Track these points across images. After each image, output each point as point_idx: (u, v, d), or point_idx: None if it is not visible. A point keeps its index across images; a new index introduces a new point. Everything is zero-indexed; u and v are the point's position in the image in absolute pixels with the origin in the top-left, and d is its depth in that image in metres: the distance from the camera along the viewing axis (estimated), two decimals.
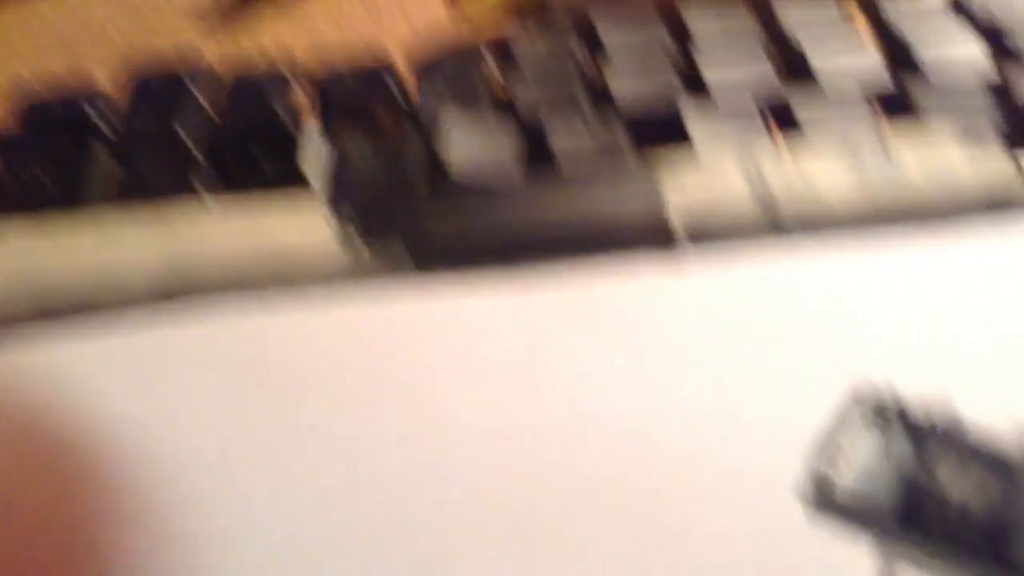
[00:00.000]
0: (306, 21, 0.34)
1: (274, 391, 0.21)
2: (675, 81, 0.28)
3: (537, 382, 0.21)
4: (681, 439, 0.20)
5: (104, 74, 0.31)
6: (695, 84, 0.28)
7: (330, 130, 0.27)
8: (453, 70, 0.29)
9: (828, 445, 0.19)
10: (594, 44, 0.30)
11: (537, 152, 0.26)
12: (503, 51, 0.30)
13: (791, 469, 0.19)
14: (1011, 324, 0.21)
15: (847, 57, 0.28)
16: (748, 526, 0.18)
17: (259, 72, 0.29)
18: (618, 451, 0.19)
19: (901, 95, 0.27)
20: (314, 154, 0.26)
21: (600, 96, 0.28)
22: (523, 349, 0.22)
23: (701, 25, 0.30)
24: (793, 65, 0.29)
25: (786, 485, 0.19)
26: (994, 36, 0.29)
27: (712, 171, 0.24)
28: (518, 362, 0.22)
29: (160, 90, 0.28)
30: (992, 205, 0.23)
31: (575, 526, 0.18)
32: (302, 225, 0.24)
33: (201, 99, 0.28)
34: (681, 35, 0.29)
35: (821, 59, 0.28)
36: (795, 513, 0.18)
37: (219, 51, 0.33)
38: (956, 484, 0.18)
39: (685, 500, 0.19)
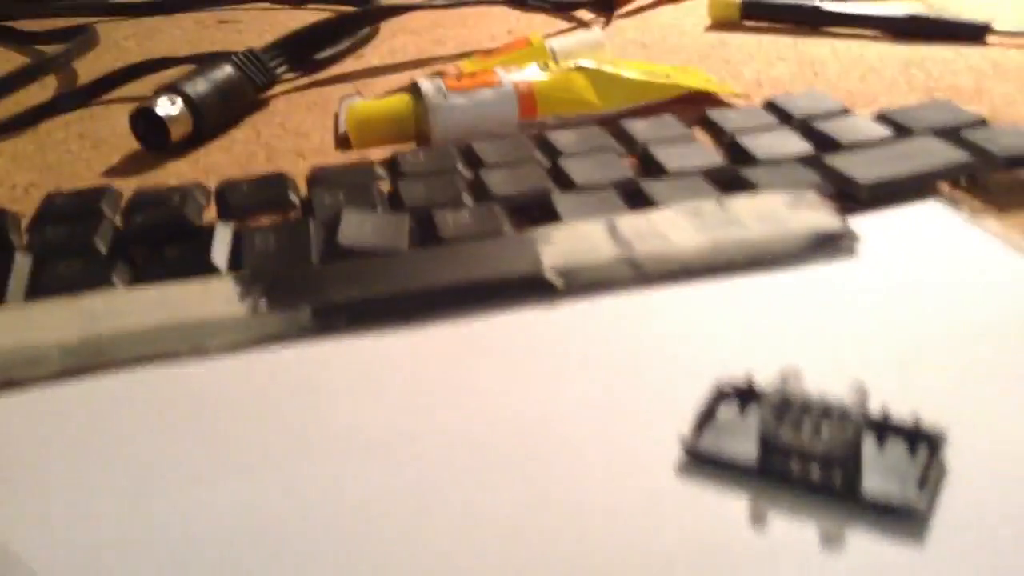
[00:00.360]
0: (212, 166, 0.37)
1: (186, 432, 0.22)
2: (546, 180, 0.31)
3: (428, 399, 0.22)
4: (565, 431, 0.21)
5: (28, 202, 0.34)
6: (564, 184, 0.32)
7: (229, 220, 0.30)
8: (346, 178, 0.32)
9: (697, 421, 0.21)
10: (474, 162, 0.34)
11: (425, 233, 0.29)
12: (394, 167, 0.33)
13: (666, 447, 0.20)
14: (831, 332, 0.24)
15: (690, 158, 0.32)
16: (633, 494, 0.19)
17: (163, 189, 0.32)
18: (509, 444, 0.21)
19: (739, 179, 0.31)
20: (221, 243, 0.28)
21: (482, 195, 0.31)
22: (414, 375, 0.23)
23: (566, 142, 0.34)
24: (646, 167, 0.33)
25: (664, 458, 0.20)
26: (809, 131, 0.34)
27: (579, 234, 0.28)
28: (410, 385, 0.23)
29: (65, 206, 0.31)
30: (816, 245, 0.27)
31: (470, 507, 0.19)
32: (211, 301, 0.26)
33: (106, 210, 0.30)
34: (552, 152, 0.34)
35: (668, 159, 0.32)
36: (673, 477, 0.20)
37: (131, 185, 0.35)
38: (807, 437, 0.20)
39: (573, 478, 0.20)
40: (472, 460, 0.21)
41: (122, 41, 0.54)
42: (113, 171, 0.37)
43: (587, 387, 0.23)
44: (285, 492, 0.20)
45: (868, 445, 0.20)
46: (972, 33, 0.45)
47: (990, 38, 0.46)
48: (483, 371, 0.23)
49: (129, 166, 0.38)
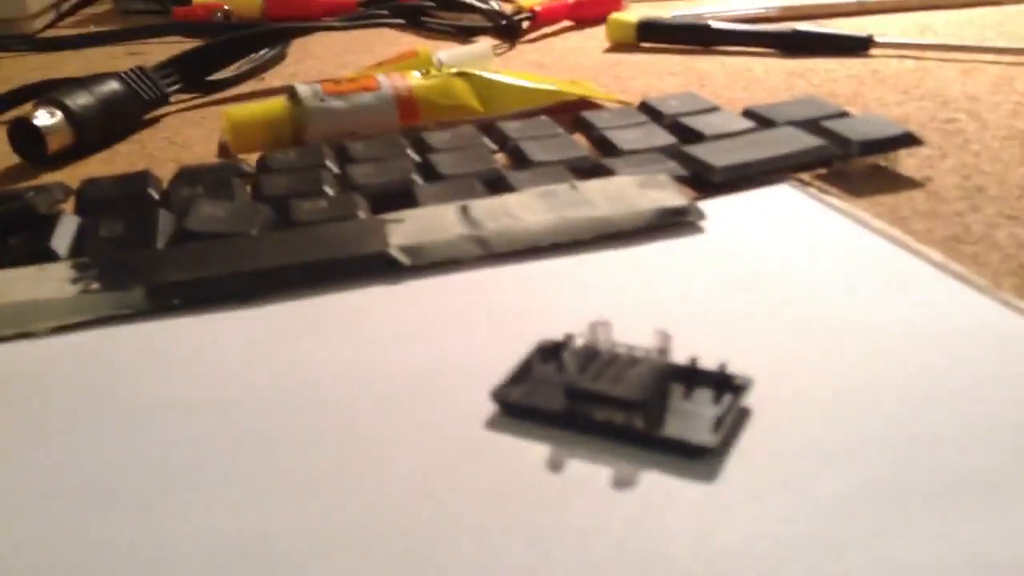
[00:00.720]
0: (87, 175, 0.37)
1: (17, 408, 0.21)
2: (412, 172, 0.32)
3: (255, 371, 0.22)
4: (388, 393, 0.21)
5: None
6: (430, 176, 0.32)
7: (85, 215, 0.29)
8: (209, 173, 0.32)
9: (512, 375, 0.20)
10: (344, 158, 0.34)
11: (281, 221, 0.29)
12: (262, 164, 0.33)
13: (483, 403, 0.20)
14: (664, 298, 0.24)
15: (556, 151, 0.33)
16: (442, 445, 0.19)
17: (22, 188, 0.31)
18: (337, 408, 0.20)
19: (600, 168, 0.31)
20: (65, 231, 0.28)
21: (346, 187, 0.31)
22: (246, 350, 0.23)
23: (437, 139, 0.34)
24: (514, 161, 0.33)
25: (478, 412, 0.20)
26: (676, 127, 0.34)
27: (431, 215, 0.28)
28: (240, 359, 0.23)
29: None
30: (660, 220, 0.27)
31: (304, 461, 0.19)
32: (43, 284, 0.25)
33: None
34: (424, 149, 0.34)
35: (534, 152, 0.33)
36: (482, 428, 0.19)
37: None
38: (610, 385, 0.19)
39: (389, 433, 0.19)
40: (291, 423, 0.20)
41: (26, 73, 0.54)
42: None
43: (417, 354, 0.22)
44: (97, 462, 0.19)
45: (676, 393, 0.20)
46: (855, 45, 0.47)
47: (873, 50, 0.47)
48: (315, 343, 0.23)
49: (6, 179, 0.37)
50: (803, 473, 0.18)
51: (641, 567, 0.16)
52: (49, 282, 0.25)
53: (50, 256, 0.27)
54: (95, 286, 0.25)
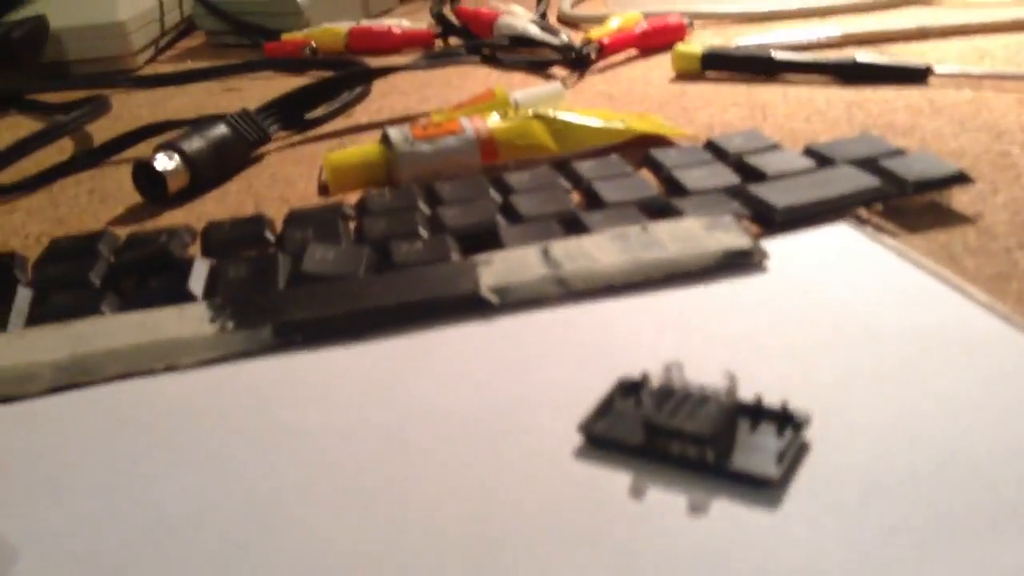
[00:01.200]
0: (205, 214, 0.41)
1: (165, 440, 0.25)
2: (495, 214, 0.35)
3: (369, 402, 0.26)
4: (486, 425, 0.24)
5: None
6: (512, 216, 0.35)
7: (210, 256, 0.33)
8: (317, 216, 0.36)
9: (597, 409, 0.24)
10: (433, 199, 0.37)
11: (382, 262, 0.32)
12: (361, 206, 0.37)
13: (572, 436, 0.23)
14: (732, 335, 0.27)
15: (627, 191, 0.36)
16: (535, 473, 0.22)
17: (153, 231, 0.35)
18: (444, 437, 0.24)
19: (669, 208, 0.34)
20: (198, 274, 0.32)
21: (437, 228, 0.35)
22: (360, 382, 0.26)
23: (516, 180, 0.38)
24: (588, 201, 0.36)
25: (567, 445, 0.23)
26: (740, 165, 0.37)
27: (516, 257, 0.31)
28: (356, 391, 0.26)
29: (67, 247, 0.35)
30: (726, 261, 0.30)
31: (410, 484, 0.22)
32: (184, 323, 0.29)
33: (102, 249, 0.34)
34: (505, 190, 0.37)
35: (607, 192, 0.36)
36: (571, 459, 0.23)
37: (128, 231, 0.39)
38: (683, 421, 0.22)
39: (487, 463, 0.23)
40: (401, 453, 0.24)
41: (135, 109, 0.59)
42: (116, 220, 0.41)
43: (509, 387, 0.26)
44: (239, 482, 0.23)
45: (743, 428, 0.23)
46: (913, 76, 0.48)
47: (931, 80, 0.49)
48: (421, 377, 0.26)
49: (131, 216, 0.42)
50: (857, 502, 0.20)
51: None
52: (190, 321, 0.29)
53: (187, 297, 0.31)
54: (230, 325, 0.29)
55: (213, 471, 0.23)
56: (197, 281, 0.32)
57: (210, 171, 0.43)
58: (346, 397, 0.26)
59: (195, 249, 0.36)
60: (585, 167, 0.38)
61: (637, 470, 0.22)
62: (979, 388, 0.23)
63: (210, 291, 0.32)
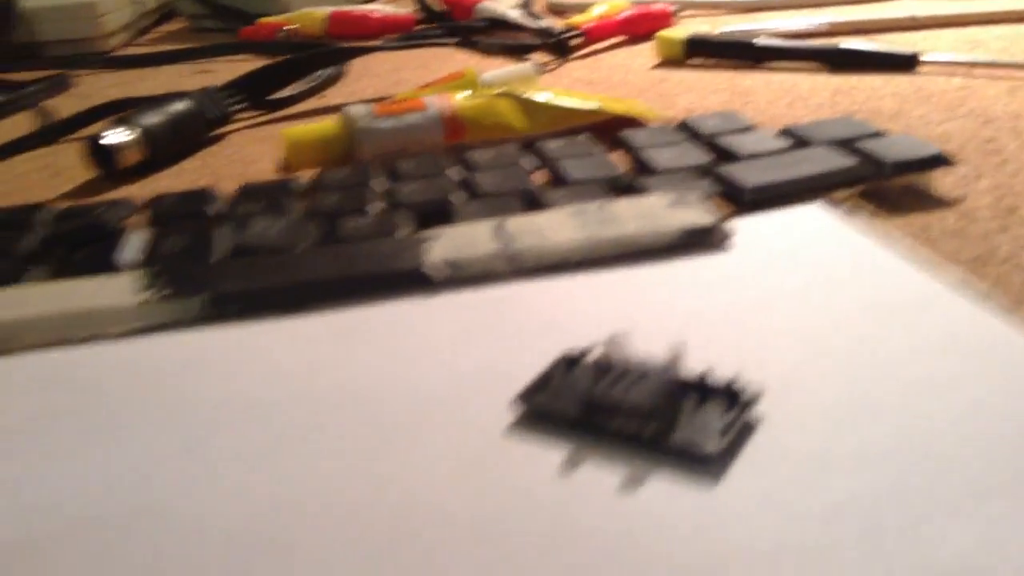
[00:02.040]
0: (159, 190, 0.40)
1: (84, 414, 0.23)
2: (453, 190, 0.33)
3: (301, 375, 0.24)
4: (417, 400, 0.22)
5: None
6: (471, 193, 0.33)
7: (154, 226, 0.32)
8: (266, 190, 0.34)
9: (535, 382, 0.22)
10: (392, 174, 0.36)
11: (329, 237, 0.31)
12: (316, 182, 0.35)
13: (506, 411, 0.22)
14: (685, 313, 0.25)
15: (592, 169, 0.34)
16: (465, 449, 0.20)
17: (92, 203, 0.34)
18: (377, 413, 0.22)
19: (634, 187, 0.32)
20: (131, 245, 0.30)
21: (392, 204, 0.33)
22: (294, 355, 0.25)
23: (479, 157, 0.36)
24: (554, 179, 0.35)
25: (501, 419, 0.21)
26: (713, 146, 0.35)
27: (466, 233, 0.29)
28: (288, 364, 0.24)
29: (2, 218, 0.33)
30: (686, 239, 0.28)
31: (338, 458, 0.20)
32: (112, 292, 0.28)
33: (36, 221, 0.33)
34: (467, 167, 0.36)
35: (571, 171, 0.34)
36: (505, 434, 0.21)
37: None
38: (625, 395, 0.21)
39: (416, 438, 0.21)
40: (329, 423, 0.22)
41: (105, 90, 0.58)
42: (66, 195, 0.40)
43: (446, 363, 0.24)
44: (162, 457, 0.21)
45: (689, 405, 0.21)
46: (901, 63, 0.47)
47: (922, 68, 0.47)
48: (358, 352, 0.25)
49: (82, 192, 0.40)
50: (802, 482, 0.19)
51: (642, 566, 0.17)
52: (117, 291, 0.27)
53: (113, 269, 0.29)
54: (160, 295, 0.27)
55: (136, 445, 0.22)
56: (132, 252, 0.30)
57: (167, 147, 0.42)
58: (280, 370, 0.24)
59: (139, 222, 0.34)
60: (552, 147, 0.36)
61: (575, 445, 0.20)
62: (944, 369, 0.22)
63: (146, 263, 0.30)
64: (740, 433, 0.20)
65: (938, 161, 0.33)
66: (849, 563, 0.17)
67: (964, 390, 0.21)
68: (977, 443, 0.19)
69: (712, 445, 0.19)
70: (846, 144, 0.34)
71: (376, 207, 0.33)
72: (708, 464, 0.19)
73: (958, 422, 0.20)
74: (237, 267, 0.28)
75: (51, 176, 0.42)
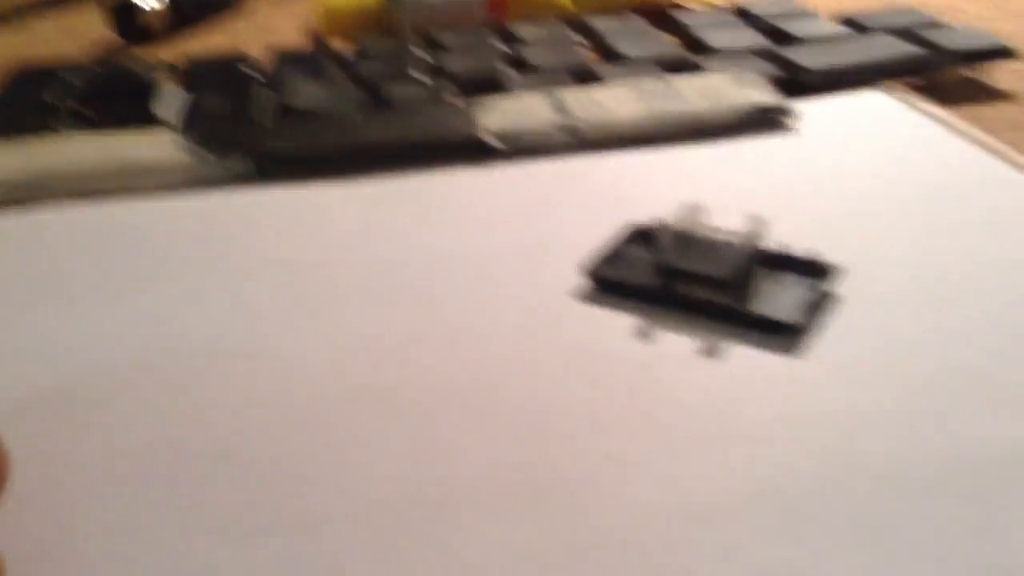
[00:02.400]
0: (183, 54, 0.38)
1: (132, 264, 0.23)
2: (500, 61, 0.32)
3: (353, 239, 0.23)
4: (487, 268, 0.22)
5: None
6: (520, 67, 0.32)
7: (191, 88, 0.30)
8: (307, 57, 0.33)
9: (606, 254, 0.21)
10: (434, 47, 0.34)
11: (375, 103, 0.30)
12: (357, 51, 0.34)
13: (575, 279, 0.21)
14: (756, 192, 0.24)
15: (647, 47, 0.33)
16: (537, 314, 0.20)
17: (126, 61, 0.32)
18: (439, 280, 0.21)
19: (692, 65, 0.31)
20: (170, 100, 0.29)
21: (436, 72, 0.32)
22: (343, 220, 0.24)
23: (526, 32, 0.35)
24: (604, 56, 0.33)
25: (570, 286, 0.21)
26: (770, 29, 0.34)
27: (522, 103, 0.28)
28: (337, 228, 0.24)
29: (34, 74, 0.32)
30: (751, 118, 0.27)
31: (396, 323, 0.20)
32: (152, 145, 0.27)
33: (69, 77, 0.31)
34: (513, 41, 0.34)
35: (624, 47, 0.33)
36: (575, 301, 0.20)
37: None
38: (701, 264, 0.20)
39: (483, 303, 0.21)
40: (393, 292, 0.21)
41: None
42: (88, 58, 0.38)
43: (507, 235, 0.23)
44: (197, 305, 0.21)
45: (767, 277, 0.20)
46: None
47: None
48: (415, 220, 0.24)
49: (105, 56, 0.39)
50: (883, 357, 0.18)
51: (721, 427, 0.17)
52: (162, 145, 0.27)
53: (153, 122, 0.28)
54: (206, 153, 0.26)
55: (180, 299, 0.21)
56: (168, 108, 0.29)
57: (193, 12, 0.40)
58: (333, 234, 0.24)
59: (175, 81, 0.33)
60: (601, 24, 0.35)
61: (648, 315, 0.20)
62: (1008, 247, 0.21)
63: (188, 122, 0.29)
64: (819, 307, 0.20)
65: (1000, 53, 0.32)
66: (923, 433, 0.16)
67: None
68: None
69: (796, 315, 0.19)
70: (906, 33, 0.33)
71: (422, 76, 0.31)
72: (788, 335, 0.19)
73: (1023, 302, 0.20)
74: (285, 129, 0.27)
75: (72, 38, 0.41)
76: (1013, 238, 0.22)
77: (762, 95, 0.28)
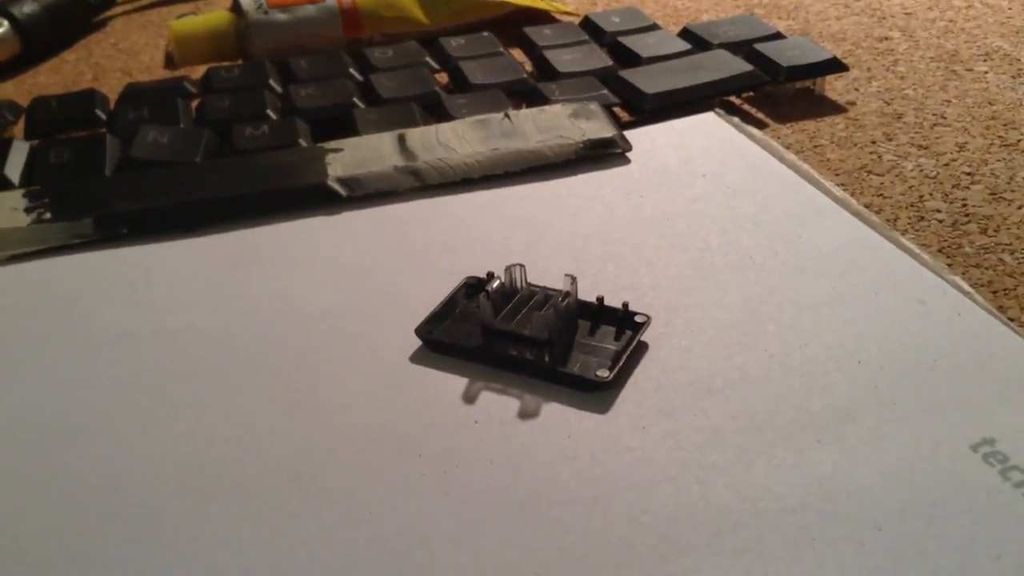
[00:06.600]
0: (38, 87, 0.37)
1: None
2: (353, 95, 0.32)
3: (194, 302, 0.24)
4: (327, 323, 0.23)
5: None
6: (371, 98, 0.33)
7: (34, 137, 0.30)
8: (155, 93, 0.32)
9: (436, 311, 0.22)
10: (288, 77, 0.34)
11: (224, 146, 0.30)
12: (205, 82, 0.34)
13: (409, 337, 0.22)
14: (585, 230, 0.26)
15: (495, 73, 0.34)
16: (369, 378, 0.21)
17: None
18: (274, 342, 0.22)
19: (537, 92, 0.32)
20: (16, 158, 0.29)
21: (288, 109, 0.32)
22: (187, 279, 0.25)
23: (380, 57, 0.35)
24: (455, 82, 0.34)
25: (405, 347, 0.22)
26: (615, 46, 0.35)
27: (369, 145, 0.29)
28: (180, 289, 0.24)
29: None
30: (588, 152, 0.29)
31: (242, 391, 0.21)
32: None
33: None
34: (366, 68, 0.35)
35: (474, 74, 0.33)
36: (407, 363, 0.22)
37: None
38: (523, 325, 0.21)
39: (325, 360, 0.21)
40: (229, 354, 0.22)
41: None
42: None
43: (351, 287, 0.24)
44: (49, 389, 0.21)
45: (583, 330, 0.22)
46: None
47: None
48: (255, 276, 0.25)
49: None
50: (685, 406, 0.20)
51: (533, 491, 0.18)
52: (3, 211, 0.26)
53: (3, 184, 0.28)
54: (47, 215, 0.26)
55: (19, 377, 0.22)
56: (14, 166, 0.29)
57: (44, 37, 0.39)
58: (172, 297, 0.24)
59: (19, 129, 0.32)
60: (454, 45, 0.36)
61: (474, 374, 0.21)
62: (823, 287, 0.23)
63: (29, 177, 0.29)
64: (631, 359, 0.21)
65: (832, 67, 0.33)
66: (723, 487, 0.18)
67: (837, 310, 0.22)
68: (846, 364, 0.21)
69: (605, 373, 0.20)
70: (744, 46, 0.34)
71: (273, 114, 0.32)
72: (600, 391, 0.20)
73: (829, 342, 0.21)
74: (127, 184, 0.27)
75: None
76: (819, 276, 0.24)
77: (598, 128, 0.29)
